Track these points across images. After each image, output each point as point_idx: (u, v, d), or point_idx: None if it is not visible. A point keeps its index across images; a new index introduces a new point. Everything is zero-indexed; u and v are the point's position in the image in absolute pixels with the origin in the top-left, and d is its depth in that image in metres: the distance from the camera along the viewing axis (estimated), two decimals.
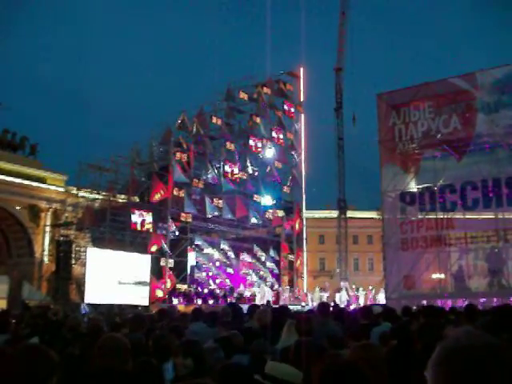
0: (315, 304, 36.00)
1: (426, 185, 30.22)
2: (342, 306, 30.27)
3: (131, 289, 31.36)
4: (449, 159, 30.03)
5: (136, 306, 30.13)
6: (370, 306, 17.23)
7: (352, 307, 30.42)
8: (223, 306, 14.21)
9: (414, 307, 15.09)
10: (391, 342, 6.11)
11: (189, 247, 38.26)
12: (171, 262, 35.94)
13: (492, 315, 7.27)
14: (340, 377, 2.92)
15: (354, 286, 42.61)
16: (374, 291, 39.26)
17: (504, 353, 1.74)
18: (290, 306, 18.58)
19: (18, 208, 42.46)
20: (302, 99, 48.80)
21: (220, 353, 5.38)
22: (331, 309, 11.27)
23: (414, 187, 30.94)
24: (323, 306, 10.05)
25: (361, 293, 39.52)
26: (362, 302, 35.57)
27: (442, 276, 29.81)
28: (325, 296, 39.09)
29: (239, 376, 3.71)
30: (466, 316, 8.54)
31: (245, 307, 19.08)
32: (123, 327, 9.16)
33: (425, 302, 24.04)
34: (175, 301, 33.80)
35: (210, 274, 40.19)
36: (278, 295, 38.23)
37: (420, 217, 30.30)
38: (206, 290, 37.53)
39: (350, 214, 55.71)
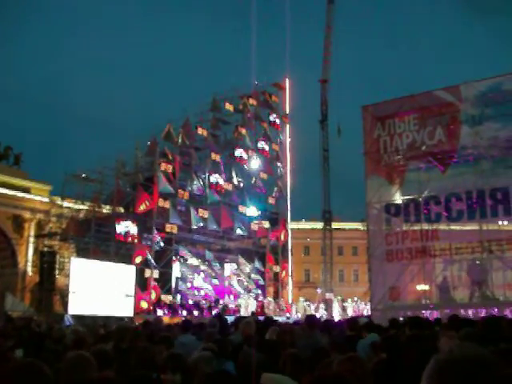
0: (299, 315, 36.03)
1: (410, 196, 30.35)
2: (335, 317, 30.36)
3: (116, 300, 31.15)
4: (433, 171, 30.20)
5: (121, 318, 29.90)
6: (356, 317, 17.26)
7: (337, 318, 30.42)
8: (209, 317, 14.17)
9: (401, 318, 15.12)
10: (380, 354, 6.10)
11: (174, 258, 38.09)
12: (156, 273, 35.75)
13: (476, 327, 7.29)
14: None
15: (339, 298, 42.62)
16: (359, 302, 39.30)
17: (497, 366, 1.75)
18: (275, 317, 18.54)
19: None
20: (287, 111, 48.94)
21: (214, 362, 5.32)
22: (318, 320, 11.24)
23: (398, 199, 31.07)
24: (310, 318, 10.05)
25: (348, 304, 39.53)
26: (349, 313, 35.56)
27: (427, 287, 29.89)
28: (311, 307, 39.06)
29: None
30: (449, 326, 8.55)
31: (230, 318, 19.09)
32: (108, 339, 9.09)
33: (410, 314, 24.05)
34: (160, 312, 33.59)
35: (195, 285, 40.04)
36: (262, 306, 38.14)
37: (405, 228, 30.40)
38: (190, 302, 37.37)
39: (335, 225, 55.78)
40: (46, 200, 45.87)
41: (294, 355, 4.86)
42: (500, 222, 29.04)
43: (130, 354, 6.14)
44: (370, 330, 9.83)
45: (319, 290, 46.33)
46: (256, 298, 41.06)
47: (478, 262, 28.61)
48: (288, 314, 38.11)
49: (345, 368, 4.14)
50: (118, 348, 6.92)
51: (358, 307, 38.23)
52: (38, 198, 46.04)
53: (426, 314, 26.08)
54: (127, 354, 6.17)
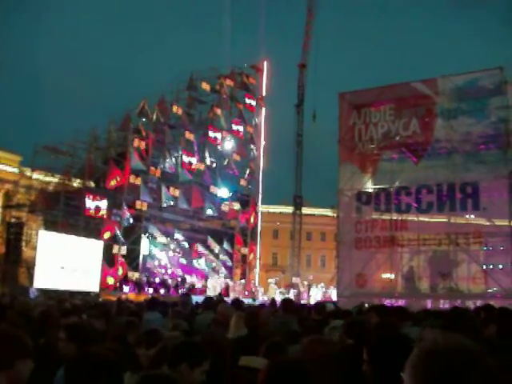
0: (266, 298, 36.15)
1: (382, 186, 30.63)
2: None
3: (82, 274, 30.94)
4: (406, 162, 30.48)
5: (87, 293, 29.74)
6: (323, 302, 17.36)
7: (303, 303, 30.59)
8: (180, 296, 14.11)
9: (366, 305, 15.26)
10: (346, 340, 6.11)
11: (142, 235, 37.92)
12: (124, 250, 35.57)
13: (443, 317, 7.38)
14: (285, 373, 2.93)
15: (305, 282, 42.86)
16: (325, 288, 39.59)
17: (481, 357, 1.75)
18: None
19: None
20: (263, 93, 48.83)
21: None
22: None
23: (370, 187, 31.32)
24: (288, 302, 9.99)
25: (317, 289, 39.71)
26: (318, 298, 35.74)
27: (393, 276, 30.26)
28: (278, 291, 39.22)
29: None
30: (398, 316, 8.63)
31: (197, 298, 19.09)
32: (74, 313, 8.99)
33: (376, 301, 24.32)
34: (126, 289, 33.47)
35: (163, 263, 39.97)
36: (227, 288, 38.18)
37: (374, 217, 30.71)
38: (157, 280, 37.29)
39: (305, 210, 55.93)
40: (16, 170, 45.16)
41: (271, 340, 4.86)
42: (468, 216, 29.46)
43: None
44: (337, 316, 9.89)
45: (294, 277, 46.48)
46: (223, 280, 41.10)
47: (443, 254, 29.05)
48: (255, 297, 38.20)
49: (312, 349, 4.17)
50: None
51: (324, 293, 38.47)
52: (7, 168, 45.33)
53: (390, 302, 26.39)
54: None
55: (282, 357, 3.66)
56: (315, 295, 38.04)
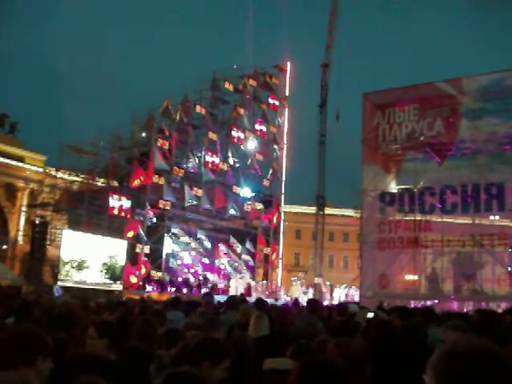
0: (288, 298, 36.11)
1: (406, 186, 30.41)
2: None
3: (105, 273, 31.20)
4: (430, 162, 30.24)
5: (110, 291, 29.96)
6: (345, 303, 17.30)
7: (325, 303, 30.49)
8: (202, 296, 14.11)
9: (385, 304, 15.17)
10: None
11: (165, 235, 38.07)
12: (147, 249, 35.77)
13: (467, 320, 7.32)
14: (317, 373, 2.91)
15: (328, 283, 42.74)
16: (348, 289, 39.42)
17: (503, 358, 1.74)
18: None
19: None
20: (286, 93, 48.78)
21: None
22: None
23: (394, 188, 31.12)
24: (313, 303, 9.94)
25: (340, 290, 39.52)
26: (341, 299, 35.59)
27: (416, 277, 30.03)
28: (301, 291, 39.13)
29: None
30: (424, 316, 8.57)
31: (219, 298, 19.13)
32: (99, 312, 9.06)
33: (398, 303, 24.16)
34: (149, 288, 33.64)
35: (185, 262, 40.10)
36: (249, 287, 38.17)
37: (398, 217, 30.49)
38: (180, 279, 37.44)
39: (327, 210, 55.77)
40: (40, 170, 45.67)
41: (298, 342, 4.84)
42: (492, 217, 29.17)
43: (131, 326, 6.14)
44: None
45: (316, 277, 46.33)
46: (246, 279, 41.13)
47: (469, 256, 28.77)
48: (277, 297, 38.15)
49: (339, 352, 4.13)
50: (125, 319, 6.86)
51: (347, 293, 38.30)
52: (32, 167, 45.84)
53: (413, 304, 26.20)
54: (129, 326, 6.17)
55: (314, 356, 3.63)
56: (338, 296, 37.90)
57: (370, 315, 9.41)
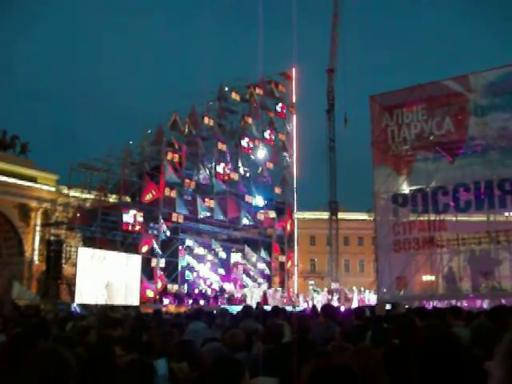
0: (306, 305, 35.98)
1: (418, 186, 30.20)
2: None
3: (122, 289, 31.23)
4: (441, 161, 30.05)
5: (127, 307, 29.95)
6: (363, 307, 17.19)
7: (342, 308, 30.32)
8: (219, 307, 14.12)
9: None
10: (392, 340, 6.03)
11: (180, 248, 38.11)
12: (162, 263, 35.82)
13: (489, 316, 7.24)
14: (331, 378, 2.85)
15: (354, 288, 42.53)
16: (365, 293, 39.25)
17: None
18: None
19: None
20: (293, 100, 48.81)
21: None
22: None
23: (406, 189, 30.93)
24: (329, 308, 9.87)
25: (357, 294, 39.33)
26: (360, 303, 35.43)
27: (433, 278, 29.81)
28: (320, 297, 38.97)
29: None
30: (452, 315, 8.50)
31: (236, 308, 19.06)
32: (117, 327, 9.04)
33: (416, 304, 24.00)
34: (166, 301, 33.68)
35: (201, 274, 40.10)
36: (266, 296, 38.06)
37: (412, 218, 30.30)
38: (196, 291, 37.44)
39: (341, 215, 55.69)
40: (53, 189, 45.97)
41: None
42: (507, 213, 28.95)
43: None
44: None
45: (333, 283, 46.20)
46: (262, 288, 41.07)
47: (484, 253, 28.54)
48: (294, 304, 38.02)
49: (357, 360, 4.07)
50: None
51: (364, 297, 38.13)
52: (44, 187, 46.11)
53: (431, 304, 26.00)
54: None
55: (328, 361, 3.57)
56: (355, 300, 37.74)
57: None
